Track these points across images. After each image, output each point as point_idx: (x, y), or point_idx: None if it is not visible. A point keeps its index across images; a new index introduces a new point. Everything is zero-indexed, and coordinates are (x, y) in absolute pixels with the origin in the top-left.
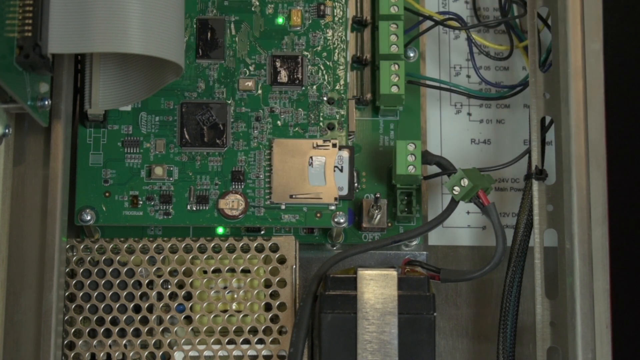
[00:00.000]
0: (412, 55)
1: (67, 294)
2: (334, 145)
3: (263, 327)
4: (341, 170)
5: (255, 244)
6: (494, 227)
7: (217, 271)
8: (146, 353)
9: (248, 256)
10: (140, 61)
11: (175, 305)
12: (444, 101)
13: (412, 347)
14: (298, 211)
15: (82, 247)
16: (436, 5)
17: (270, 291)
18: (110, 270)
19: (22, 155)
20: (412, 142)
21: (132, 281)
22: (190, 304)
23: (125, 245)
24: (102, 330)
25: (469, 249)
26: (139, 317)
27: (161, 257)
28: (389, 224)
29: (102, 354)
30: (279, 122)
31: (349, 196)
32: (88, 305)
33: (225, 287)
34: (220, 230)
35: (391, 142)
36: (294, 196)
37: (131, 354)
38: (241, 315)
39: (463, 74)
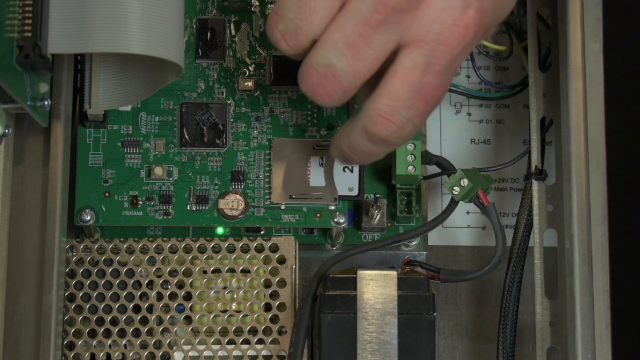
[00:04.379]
0: None
1: (66, 294)
2: None
3: (263, 327)
4: (351, 171)
5: (255, 244)
6: (494, 227)
7: (216, 271)
8: (146, 353)
9: (248, 256)
10: (140, 61)
11: (175, 305)
12: (443, 101)
13: (411, 347)
14: (298, 211)
15: (81, 247)
16: None
17: (270, 291)
18: (110, 270)
19: (22, 155)
20: (412, 142)
21: (132, 281)
22: (189, 304)
23: (125, 246)
24: (101, 330)
25: (468, 249)
26: (138, 317)
27: (161, 257)
28: (389, 224)
29: (101, 354)
30: (278, 122)
31: (359, 196)
32: (88, 306)
33: (225, 287)
34: (220, 230)
35: None
36: (293, 196)
37: (131, 354)
38: (241, 316)
39: (463, 74)
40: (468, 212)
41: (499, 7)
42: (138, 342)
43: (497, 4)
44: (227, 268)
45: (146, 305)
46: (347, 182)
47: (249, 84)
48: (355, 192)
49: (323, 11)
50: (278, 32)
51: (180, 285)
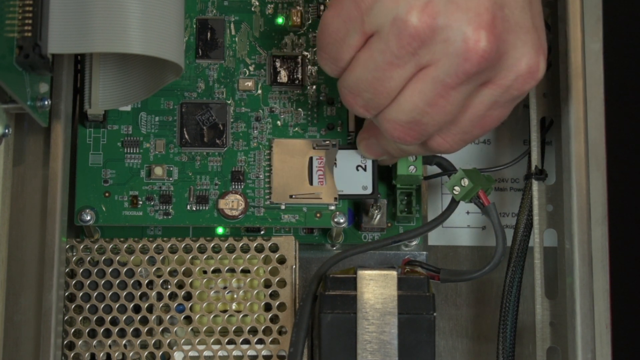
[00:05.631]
0: None
1: (66, 294)
2: (334, 145)
3: (263, 327)
4: (365, 170)
5: (255, 244)
6: (494, 227)
7: (216, 271)
8: (146, 353)
9: (248, 256)
10: (140, 61)
11: (175, 305)
12: None
13: (411, 347)
14: (298, 211)
15: (81, 247)
16: None
17: (270, 291)
18: (110, 270)
19: (22, 155)
20: None
21: (132, 281)
22: (190, 304)
23: (125, 246)
24: (101, 330)
25: (468, 249)
26: (138, 317)
27: (161, 257)
28: (389, 224)
29: (101, 354)
30: (278, 122)
31: (373, 195)
32: (88, 306)
33: (225, 287)
34: (220, 230)
35: None
36: (293, 196)
37: (131, 354)
38: (241, 316)
39: None
40: (468, 212)
41: None
42: (138, 342)
43: None
44: (227, 268)
45: (146, 305)
46: (360, 180)
47: (249, 84)
48: (369, 191)
49: (397, 87)
50: (359, 108)
51: (180, 285)
